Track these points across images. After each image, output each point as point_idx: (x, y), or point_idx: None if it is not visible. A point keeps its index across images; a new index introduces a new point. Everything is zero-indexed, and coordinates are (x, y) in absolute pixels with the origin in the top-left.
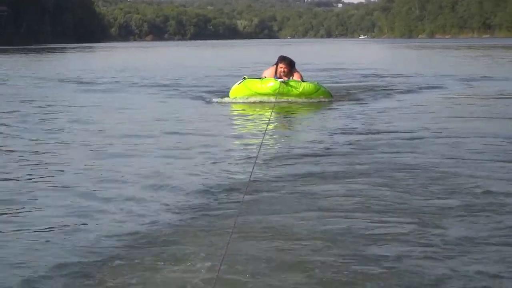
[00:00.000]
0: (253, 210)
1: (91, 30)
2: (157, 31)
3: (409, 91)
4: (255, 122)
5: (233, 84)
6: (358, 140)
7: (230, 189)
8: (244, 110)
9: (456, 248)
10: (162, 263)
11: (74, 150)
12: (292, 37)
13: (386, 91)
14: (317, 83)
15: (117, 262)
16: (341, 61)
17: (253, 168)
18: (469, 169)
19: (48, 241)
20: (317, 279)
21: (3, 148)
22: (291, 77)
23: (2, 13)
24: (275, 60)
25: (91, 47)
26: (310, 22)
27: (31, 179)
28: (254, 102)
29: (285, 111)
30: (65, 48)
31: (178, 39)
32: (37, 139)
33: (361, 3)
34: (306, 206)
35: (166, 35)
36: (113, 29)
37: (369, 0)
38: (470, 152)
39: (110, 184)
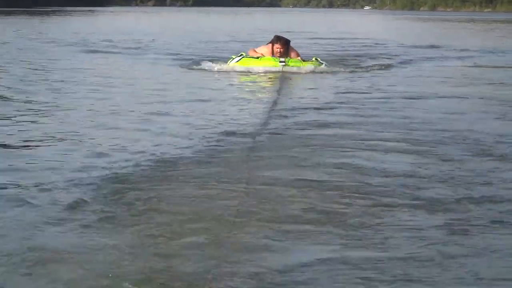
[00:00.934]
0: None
1: None
2: None
3: (404, 62)
4: (262, 84)
5: (230, 59)
6: (363, 98)
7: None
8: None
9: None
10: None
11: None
12: (294, 6)
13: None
14: (315, 59)
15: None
16: (344, 30)
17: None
18: (466, 123)
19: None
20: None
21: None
22: (288, 57)
23: None
24: (272, 34)
25: (93, 11)
26: None
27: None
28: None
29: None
30: (65, 10)
31: (180, 5)
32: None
33: None
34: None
35: (168, 1)
36: None
37: None
38: (466, 109)
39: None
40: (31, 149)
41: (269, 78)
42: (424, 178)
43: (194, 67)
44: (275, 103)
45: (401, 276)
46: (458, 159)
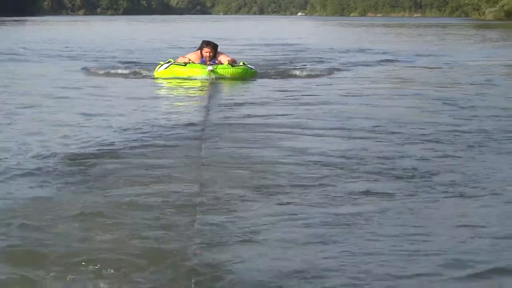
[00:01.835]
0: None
1: (22, 3)
2: (90, 5)
3: (334, 68)
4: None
5: (158, 65)
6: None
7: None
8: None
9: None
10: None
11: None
12: (225, 13)
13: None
14: (244, 63)
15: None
16: (276, 36)
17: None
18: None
19: None
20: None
21: None
22: (216, 61)
23: None
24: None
25: (23, 21)
26: None
27: None
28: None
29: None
30: None
31: (111, 14)
32: None
33: None
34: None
35: (98, 10)
36: (45, 3)
37: None
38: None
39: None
40: None
41: (198, 85)
42: (355, 158)
43: (119, 72)
44: (207, 103)
45: (321, 233)
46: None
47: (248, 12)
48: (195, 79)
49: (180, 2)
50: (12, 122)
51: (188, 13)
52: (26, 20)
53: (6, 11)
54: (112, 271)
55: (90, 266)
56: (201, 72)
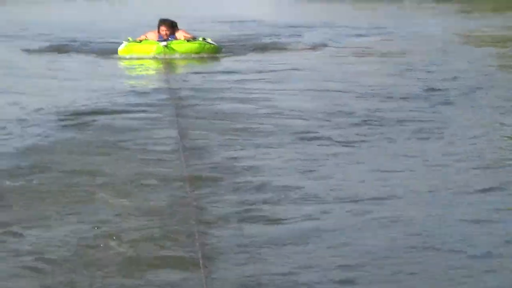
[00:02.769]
0: None
1: None
2: None
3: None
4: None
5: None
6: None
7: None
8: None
9: None
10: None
11: None
12: None
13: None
14: (203, 39)
15: None
16: (235, 13)
17: None
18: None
19: None
20: None
21: None
22: (174, 38)
23: None
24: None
25: None
26: None
27: None
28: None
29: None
30: None
31: None
32: None
33: None
34: None
35: None
36: None
37: None
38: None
39: None
40: None
41: (153, 61)
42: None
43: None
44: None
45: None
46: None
47: None
48: (151, 57)
49: None
50: None
51: None
52: None
53: None
54: None
55: None
56: (155, 48)
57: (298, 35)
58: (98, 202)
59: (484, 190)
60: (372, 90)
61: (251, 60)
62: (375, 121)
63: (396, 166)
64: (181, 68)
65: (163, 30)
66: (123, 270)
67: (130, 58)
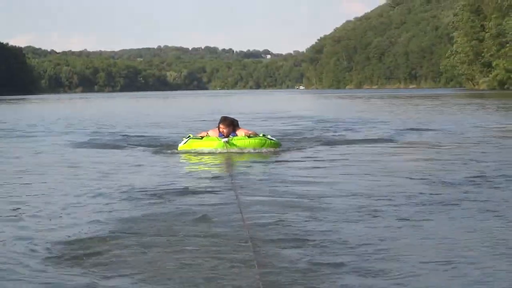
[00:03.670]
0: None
1: (22, 82)
2: (87, 83)
3: (346, 140)
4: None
5: (180, 143)
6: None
7: None
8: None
9: None
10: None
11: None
12: (222, 88)
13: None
14: (263, 135)
15: None
16: (282, 109)
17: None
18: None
19: None
20: None
21: None
22: (235, 135)
23: None
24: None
25: (22, 99)
26: (239, 73)
27: None
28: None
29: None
30: None
31: (109, 91)
32: None
33: (289, 54)
34: None
35: (96, 87)
36: (43, 81)
37: (297, 51)
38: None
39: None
40: None
41: (214, 157)
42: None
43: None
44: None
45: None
46: None
47: (244, 87)
48: (212, 152)
49: (176, 78)
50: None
51: (185, 89)
52: (27, 99)
53: (5, 91)
54: None
55: None
56: (216, 144)
57: (349, 129)
58: None
59: None
60: (430, 176)
61: (309, 152)
62: (437, 202)
63: (463, 242)
64: (243, 159)
65: (222, 128)
66: None
67: (190, 152)
